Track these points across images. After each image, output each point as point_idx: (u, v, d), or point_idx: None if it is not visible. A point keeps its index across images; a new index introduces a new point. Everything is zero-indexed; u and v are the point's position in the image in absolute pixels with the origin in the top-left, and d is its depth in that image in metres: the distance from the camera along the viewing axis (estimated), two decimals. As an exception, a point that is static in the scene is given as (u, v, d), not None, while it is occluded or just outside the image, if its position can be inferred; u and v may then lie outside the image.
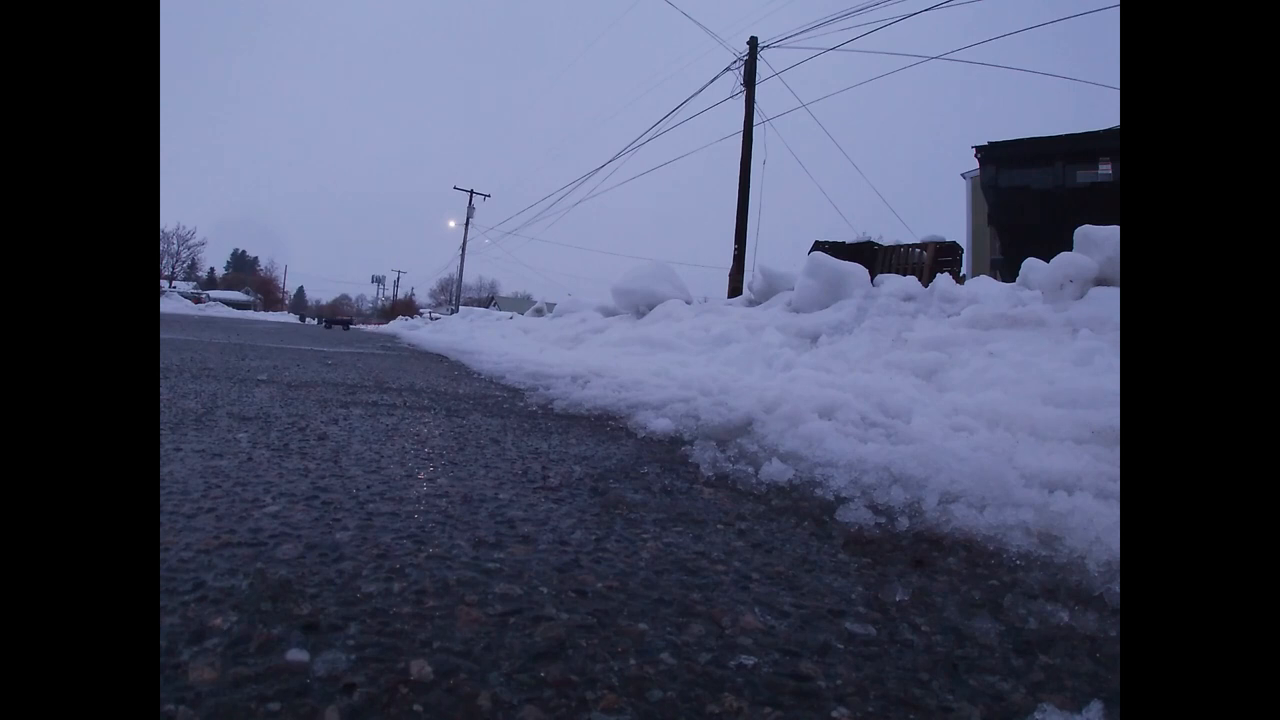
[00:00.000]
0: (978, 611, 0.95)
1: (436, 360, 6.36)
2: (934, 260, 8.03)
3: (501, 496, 1.40)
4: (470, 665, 0.70)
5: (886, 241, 8.97)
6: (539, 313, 13.83)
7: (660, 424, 2.43)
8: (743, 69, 8.82)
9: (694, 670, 0.72)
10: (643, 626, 0.82)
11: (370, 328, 32.01)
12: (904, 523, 1.34)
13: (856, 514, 1.38)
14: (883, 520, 1.36)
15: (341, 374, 4.16)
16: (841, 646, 0.81)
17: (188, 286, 52.61)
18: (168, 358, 4.20)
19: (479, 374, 4.93)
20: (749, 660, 0.76)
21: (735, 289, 8.77)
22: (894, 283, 5.26)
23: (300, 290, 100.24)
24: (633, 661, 0.73)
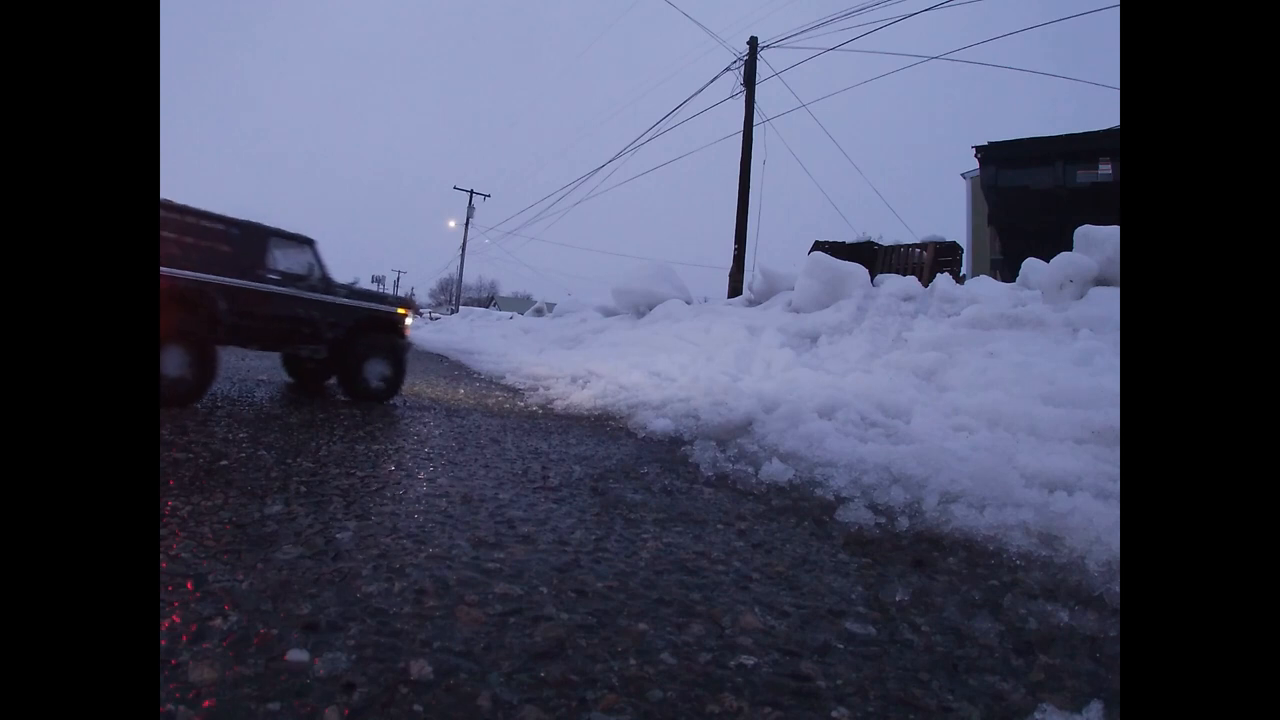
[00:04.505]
0: (978, 611, 0.95)
1: (437, 360, 6.36)
2: (934, 260, 8.01)
3: (502, 496, 1.41)
4: (470, 665, 0.70)
5: (886, 241, 8.94)
6: (539, 313, 13.83)
7: (660, 424, 2.43)
8: (743, 69, 8.80)
9: (694, 670, 0.72)
10: (643, 626, 0.82)
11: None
12: (904, 523, 1.34)
13: (856, 514, 1.38)
14: (883, 520, 1.36)
15: (341, 374, 4.15)
16: (841, 646, 0.81)
17: (188, 286, 52.39)
18: (168, 357, 4.19)
19: (479, 374, 4.94)
20: (749, 660, 0.76)
21: (735, 289, 8.74)
22: (894, 283, 5.25)
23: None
24: (633, 661, 0.73)
